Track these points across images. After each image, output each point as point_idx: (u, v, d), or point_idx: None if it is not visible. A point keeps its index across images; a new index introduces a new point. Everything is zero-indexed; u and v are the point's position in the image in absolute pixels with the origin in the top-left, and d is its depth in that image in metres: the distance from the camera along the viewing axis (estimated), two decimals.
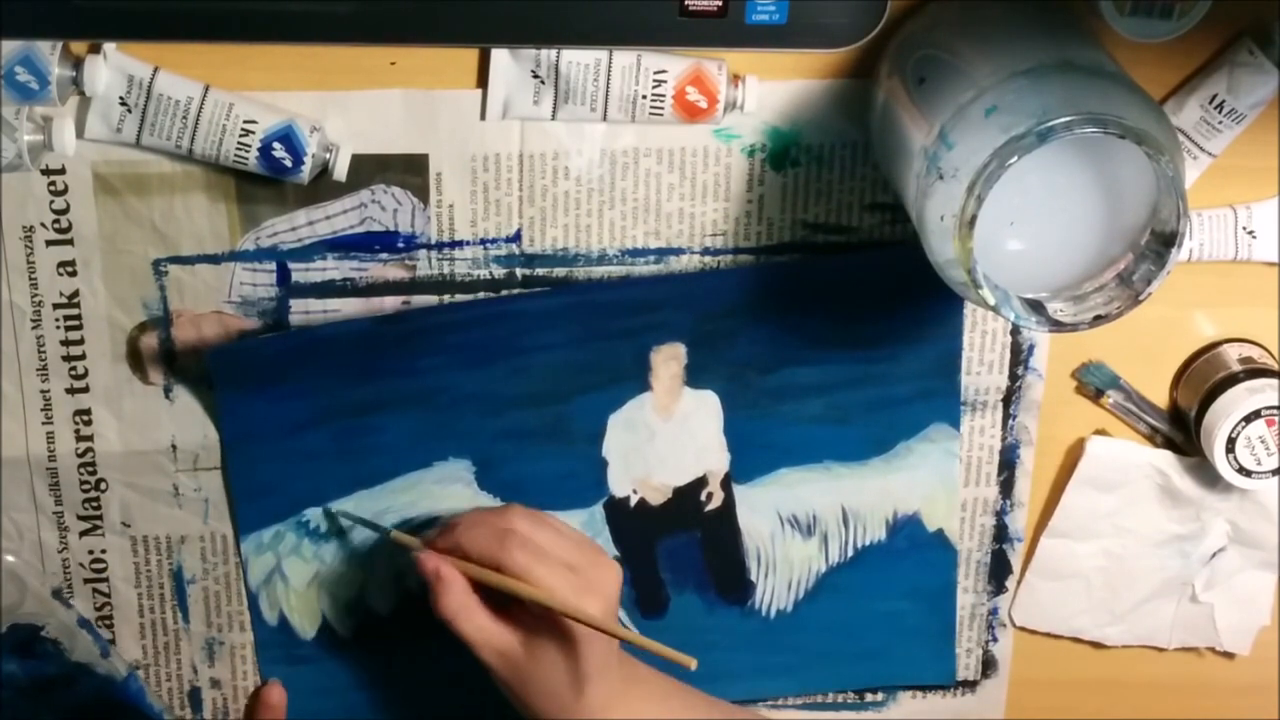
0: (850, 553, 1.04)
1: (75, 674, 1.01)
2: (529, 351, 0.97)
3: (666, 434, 1.01)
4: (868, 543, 1.04)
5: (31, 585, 1.00)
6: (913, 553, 1.04)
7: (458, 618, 0.92)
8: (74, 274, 0.95)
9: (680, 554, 1.03)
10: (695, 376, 0.99)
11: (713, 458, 1.02)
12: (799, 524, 1.03)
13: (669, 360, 0.99)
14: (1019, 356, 1.01)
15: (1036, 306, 0.83)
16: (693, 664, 0.88)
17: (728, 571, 1.04)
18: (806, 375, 1.00)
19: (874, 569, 1.04)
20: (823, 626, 1.06)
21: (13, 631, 1.00)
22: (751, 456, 1.02)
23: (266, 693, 1.03)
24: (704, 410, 1.00)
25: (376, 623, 1.03)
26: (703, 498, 1.02)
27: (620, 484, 1.01)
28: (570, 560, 0.91)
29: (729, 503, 1.02)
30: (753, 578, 1.04)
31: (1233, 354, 1.01)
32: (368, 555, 1.02)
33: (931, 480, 1.03)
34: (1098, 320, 0.83)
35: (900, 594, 1.05)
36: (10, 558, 1.00)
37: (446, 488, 1.00)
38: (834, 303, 0.98)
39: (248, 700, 1.05)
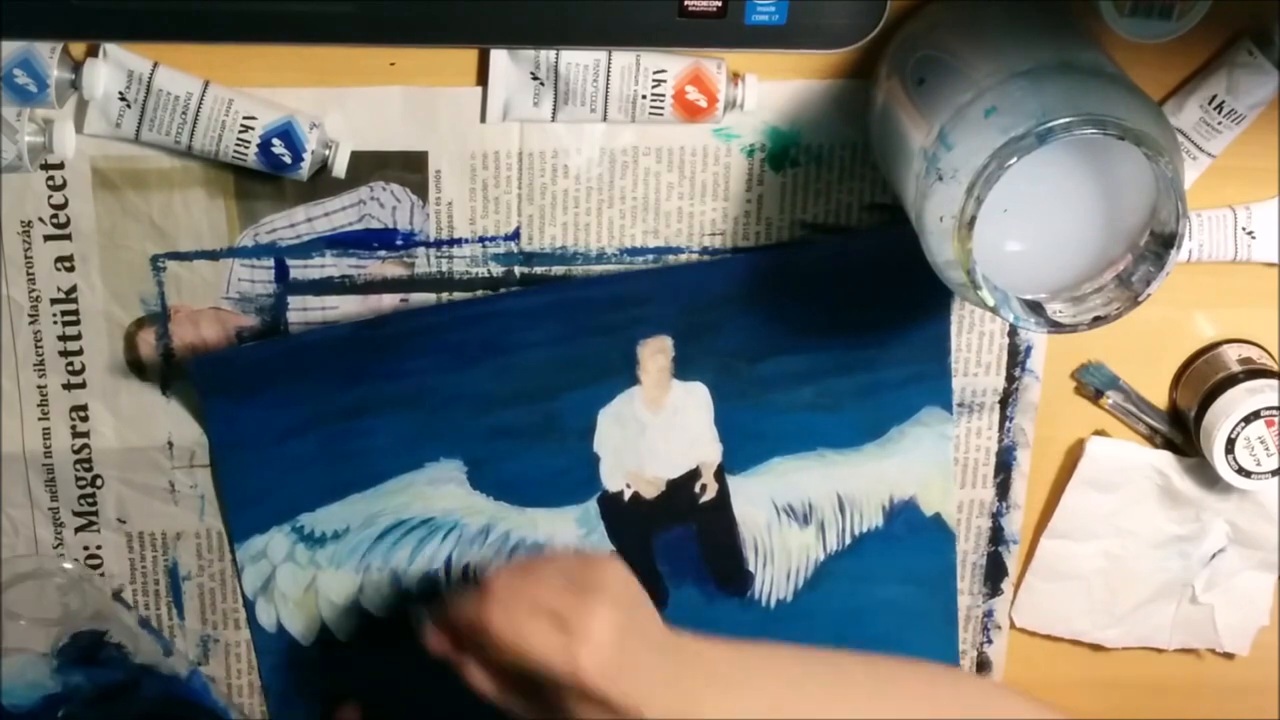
0: (848, 540, 1.04)
1: (140, 677, 1.00)
2: (514, 350, 0.97)
3: (657, 427, 1.01)
4: (865, 529, 1.04)
5: (90, 591, 1.00)
6: (911, 538, 1.04)
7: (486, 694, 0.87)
8: (72, 269, 0.95)
9: (677, 547, 1.03)
10: (683, 368, 0.99)
11: (705, 449, 1.02)
12: (795, 513, 1.03)
13: (656, 353, 0.99)
14: (1016, 358, 1.01)
15: (1036, 307, 0.83)
16: None
17: (726, 563, 1.04)
18: (795, 363, 1.00)
19: (873, 555, 1.04)
20: (824, 615, 1.05)
21: (75, 641, 0.99)
22: (743, 446, 1.02)
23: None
24: (693, 402, 1.00)
25: (374, 626, 1.03)
26: (697, 489, 1.02)
27: (613, 479, 1.01)
28: (556, 607, 0.83)
29: (723, 494, 1.02)
30: (751, 568, 1.04)
31: (1232, 354, 1.01)
32: (362, 559, 1.01)
33: (926, 464, 1.03)
34: (1097, 321, 0.83)
35: (900, 579, 1.05)
36: (69, 564, 1.00)
37: (439, 488, 1.00)
38: (820, 290, 0.98)
39: None
